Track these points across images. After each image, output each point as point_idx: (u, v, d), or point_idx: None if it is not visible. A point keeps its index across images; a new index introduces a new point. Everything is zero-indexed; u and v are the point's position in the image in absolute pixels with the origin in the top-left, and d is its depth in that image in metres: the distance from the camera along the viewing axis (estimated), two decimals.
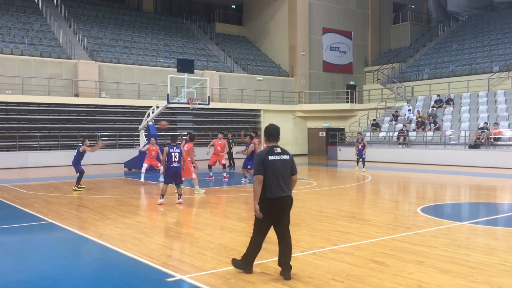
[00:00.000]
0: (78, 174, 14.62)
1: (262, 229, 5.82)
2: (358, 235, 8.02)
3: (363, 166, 20.61)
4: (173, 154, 11.50)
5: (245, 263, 5.94)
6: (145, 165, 16.66)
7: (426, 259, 6.50)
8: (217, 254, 6.87)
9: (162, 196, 11.60)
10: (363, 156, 20.66)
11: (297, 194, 13.54)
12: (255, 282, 5.59)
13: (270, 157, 5.70)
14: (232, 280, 5.70)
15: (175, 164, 11.53)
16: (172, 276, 5.87)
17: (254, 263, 6.20)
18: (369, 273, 5.89)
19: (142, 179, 16.42)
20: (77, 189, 14.41)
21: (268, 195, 5.64)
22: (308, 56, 36.86)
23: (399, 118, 29.61)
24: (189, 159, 13.45)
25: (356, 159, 21.11)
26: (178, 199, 11.70)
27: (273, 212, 5.71)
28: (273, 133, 5.95)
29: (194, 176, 13.75)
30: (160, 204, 11.44)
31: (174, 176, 11.57)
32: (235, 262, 6.03)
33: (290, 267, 5.75)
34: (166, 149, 11.61)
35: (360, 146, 20.65)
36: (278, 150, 5.81)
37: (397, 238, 7.78)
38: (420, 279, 5.67)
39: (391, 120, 29.71)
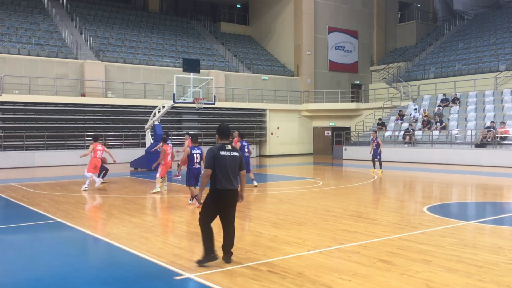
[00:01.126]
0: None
1: (208, 217, 6.33)
2: (365, 234, 8.03)
3: (380, 167, 19.43)
4: (195, 155, 11.15)
5: (207, 256, 6.25)
6: (89, 175, 14.46)
7: (433, 258, 6.51)
8: None
9: (192, 198, 11.25)
10: (378, 157, 19.38)
11: (303, 194, 13.56)
12: (262, 281, 5.61)
13: (222, 153, 6.31)
14: (238, 278, 5.73)
15: (197, 166, 11.19)
16: (179, 275, 5.91)
17: (260, 262, 6.26)
18: (376, 272, 5.91)
19: (97, 183, 14.65)
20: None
21: (218, 186, 6.25)
22: (313, 56, 36.85)
23: (405, 117, 29.55)
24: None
25: (371, 160, 19.95)
26: (190, 200, 11.44)
27: (221, 202, 6.29)
28: (225, 132, 6.52)
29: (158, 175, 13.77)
30: (190, 205, 11.24)
31: (196, 177, 11.18)
32: (199, 262, 6.26)
33: (231, 253, 6.40)
34: (187, 150, 11.32)
35: (374, 145, 19.48)
36: (229, 147, 6.40)
37: (404, 237, 7.78)
38: (427, 278, 5.67)
39: (397, 120, 29.64)
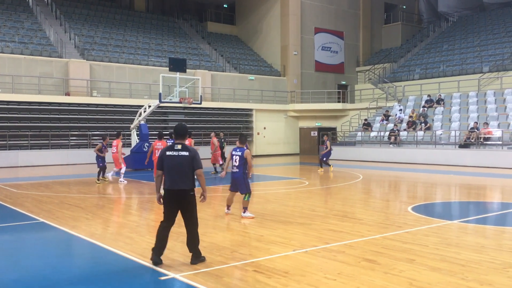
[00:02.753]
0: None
1: (166, 217, 6.36)
2: (350, 234, 8.07)
3: (321, 166, 21.13)
4: (233, 157, 9.58)
5: (154, 253, 6.29)
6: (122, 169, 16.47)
7: (417, 257, 6.57)
8: (210, 253, 6.87)
9: (228, 206, 10.00)
10: (324, 158, 21.09)
11: (289, 194, 13.59)
12: (248, 281, 5.62)
13: (168, 153, 6.27)
14: (225, 278, 5.73)
15: (235, 169, 9.55)
16: (165, 275, 5.88)
17: (246, 261, 6.26)
18: (361, 271, 5.94)
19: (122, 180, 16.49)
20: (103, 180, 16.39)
21: (165, 187, 6.29)
22: (300, 56, 36.95)
23: (390, 118, 29.79)
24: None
25: (321, 160, 21.23)
26: (243, 212, 9.67)
27: (172, 202, 6.26)
28: (179, 131, 6.46)
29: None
30: (226, 214, 9.97)
31: (235, 183, 9.72)
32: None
33: (198, 255, 6.33)
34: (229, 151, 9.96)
35: (325, 147, 21.19)
36: (179, 147, 6.28)
37: (388, 237, 7.84)
38: (411, 276, 5.72)
39: (382, 120, 29.87)
